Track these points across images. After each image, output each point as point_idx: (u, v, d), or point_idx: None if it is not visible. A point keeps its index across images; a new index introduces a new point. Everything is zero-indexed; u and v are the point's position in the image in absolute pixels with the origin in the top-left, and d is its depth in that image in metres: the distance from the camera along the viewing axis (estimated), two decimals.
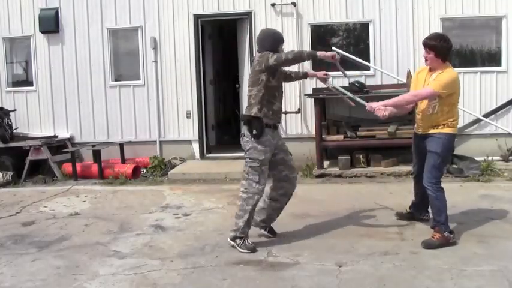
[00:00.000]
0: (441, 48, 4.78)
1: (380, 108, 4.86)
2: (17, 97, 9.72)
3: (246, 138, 4.83)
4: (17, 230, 5.82)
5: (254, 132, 4.74)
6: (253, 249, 4.74)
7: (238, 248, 4.77)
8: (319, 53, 4.79)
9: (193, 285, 4.13)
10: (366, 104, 5.00)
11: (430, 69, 4.92)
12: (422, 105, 4.86)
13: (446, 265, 4.24)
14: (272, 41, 4.90)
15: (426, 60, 4.88)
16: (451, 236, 4.74)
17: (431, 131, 4.83)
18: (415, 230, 5.16)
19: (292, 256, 4.61)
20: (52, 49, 9.49)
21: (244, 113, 4.93)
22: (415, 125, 5.11)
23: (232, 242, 4.82)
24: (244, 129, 4.86)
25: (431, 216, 5.06)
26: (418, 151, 5.07)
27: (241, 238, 4.78)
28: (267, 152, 4.81)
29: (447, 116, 4.78)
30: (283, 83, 5.08)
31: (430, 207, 5.00)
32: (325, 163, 8.31)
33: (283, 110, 8.87)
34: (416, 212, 5.40)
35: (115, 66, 9.47)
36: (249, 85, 4.83)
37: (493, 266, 4.18)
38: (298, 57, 4.81)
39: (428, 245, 4.67)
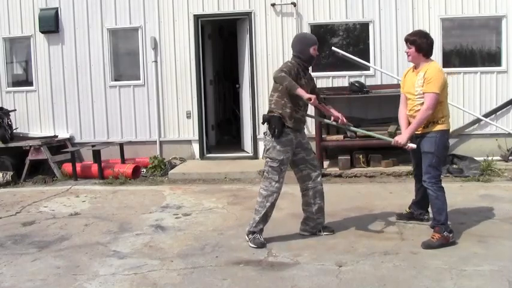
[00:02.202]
0: (421, 43, 4.81)
1: (409, 145, 4.88)
2: (17, 97, 9.73)
3: (267, 137, 4.91)
4: (17, 230, 5.82)
5: (274, 131, 4.79)
6: (261, 245, 4.84)
7: (248, 242, 4.90)
8: (300, 91, 4.66)
9: (193, 285, 4.13)
10: (392, 140, 5.02)
11: (415, 68, 4.95)
12: (411, 105, 4.90)
13: (446, 265, 4.24)
14: (300, 44, 4.97)
15: (408, 55, 4.91)
16: (451, 235, 4.74)
17: (423, 130, 4.84)
18: (415, 230, 5.16)
19: (292, 256, 4.61)
20: (52, 49, 9.50)
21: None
22: None
23: (246, 237, 4.97)
24: (266, 128, 4.94)
25: (431, 215, 5.06)
26: (413, 151, 5.06)
27: (253, 233, 4.91)
28: (286, 151, 4.86)
29: (439, 114, 4.80)
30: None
31: (430, 206, 5.01)
32: (325, 163, 8.31)
33: None
34: (416, 211, 5.40)
35: (115, 66, 9.47)
36: (272, 89, 4.97)
37: (493, 266, 4.18)
38: (287, 86, 4.69)
39: (428, 245, 4.67)
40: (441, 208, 4.79)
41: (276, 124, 4.78)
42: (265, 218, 4.94)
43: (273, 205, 4.93)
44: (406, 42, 4.90)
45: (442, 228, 4.73)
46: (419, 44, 4.80)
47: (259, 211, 4.91)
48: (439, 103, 4.78)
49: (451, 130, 8.28)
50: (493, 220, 5.41)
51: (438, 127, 4.81)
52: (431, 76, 4.72)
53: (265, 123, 4.92)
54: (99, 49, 9.35)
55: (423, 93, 4.75)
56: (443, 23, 8.50)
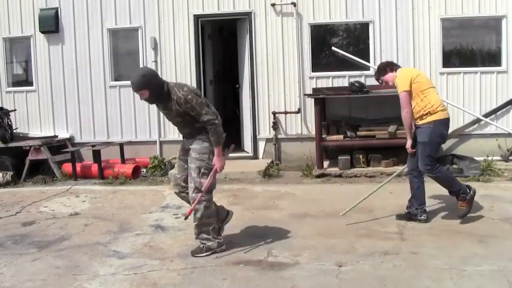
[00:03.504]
0: (380, 69, 5.60)
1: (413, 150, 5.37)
2: (17, 97, 9.73)
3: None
4: (17, 230, 5.82)
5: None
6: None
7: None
8: (218, 152, 4.72)
9: (193, 285, 4.13)
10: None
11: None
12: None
13: (446, 265, 4.24)
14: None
15: (385, 84, 5.61)
16: (471, 192, 5.22)
17: (419, 122, 5.26)
18: (415, 230, 5.17)
19: (292, 256, 4.61)
20: (52, 49, 9.49)
21: None
22: None
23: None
24: None
25: (425, 217, 5.34)
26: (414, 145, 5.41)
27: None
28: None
29: (424, 105, 5.20)
30: None
31: (414, 198, 5.38)
32: (325, 163, 8.31)
33: (283, 110, 8.94)
34: (412, 207, 5.45)
35: (115, 66, 9.47)
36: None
37: (493, 266, 4.18)
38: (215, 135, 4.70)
39: (463, 214, 5.21)
40: (448, 180, 5.29)
41: None
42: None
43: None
44: (377, 80, 5.64)
45: (463, 196, 5.20)
46: (380, 70, 5.60)
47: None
48: (418, 95, 5.21)
49: (451, 130, 8.38)
50: (493, 220, 5.42)
51: (432, 117, 5.19)
52: (396, 81, 5.34)
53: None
54: (99, 49, 9.35)
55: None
56: (443, 23, 8.50)
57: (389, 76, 5.47)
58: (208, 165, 4.73)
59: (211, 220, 4.80)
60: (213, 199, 4.94)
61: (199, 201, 4.69)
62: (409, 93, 5.21)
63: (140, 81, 4.59)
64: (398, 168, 7.78)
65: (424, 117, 5.21)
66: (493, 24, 8.58)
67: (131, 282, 4.21)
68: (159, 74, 9.02)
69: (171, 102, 4.63)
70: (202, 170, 4.71)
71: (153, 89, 4.60)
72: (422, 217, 5.35)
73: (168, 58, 9.18)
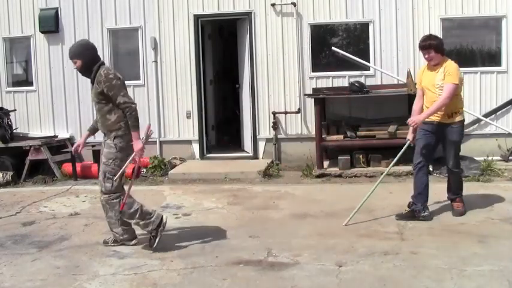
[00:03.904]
0: (438, 44, 5.35)
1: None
2: (17, 97, 9.73)
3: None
4: (17, 230, 5.82)
5: None
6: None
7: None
8: (136, 136, 5.04)
9: (193, 285, 4.13)
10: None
11: (433, 67, 5.41)
12: (431, 98, 5.33)
13: (446, 265, 4.24)
14: None
15: (430, 59, 5.39)
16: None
17: (448, 120, 5.32)
18: (415, 230, 5.17)
19: (292, 256, 4.61)
20: (52, 49, 9.49)
21: None
22: None
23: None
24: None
25: (428, 213, 5.42)
26: (431, 140, 5.41)
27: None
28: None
29: (460, 104, 5.41)
30: None
31: (421, 195, 5.46)
32: (325, 163, 8.31)
33: (283, 110, 8.96)
34: (417, 202, 5.47)
35: (115, 66, 9.44)
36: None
37: (493, 266, 4.18)
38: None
39: (460, 213, 5.48)
40: (461, 184, 5.67)
41: None
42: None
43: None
44: (423, 49, 5.36)
45: (462, 198, 5.60)
46: (437, 45, 5.32)
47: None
48: (457, 94, 5.29)
49: None
50: (493, 220, 5.41)
51: (460, 117, 5.39)
52: (451, 70, 5.24)
53: None
54: (99, 49, 9.10)
55: (443, 85, 5.23)
56: (443, 23, 8.49)
57: (438, 56, 5.34)
58: (114, 170, 4.83)
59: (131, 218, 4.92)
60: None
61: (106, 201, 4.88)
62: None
63: (75, 50, 4.97)
64: (399, 168, 7.84)
65: (454, 115, 5.33)
66: (493, 24, 8.57)
67: (131, 282, 4.21)
68: (159, 74, 9.23)
69: (95, 81, 4.91)
70: (107, 175, 4.85)
71: (86, 61, 4.94)
72: (426, 213, 5.40)
73: (168, 58, 9.18)
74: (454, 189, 5.65)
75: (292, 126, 8.95)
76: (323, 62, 9.01)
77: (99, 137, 9.28)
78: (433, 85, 5.33)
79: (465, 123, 8.32)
